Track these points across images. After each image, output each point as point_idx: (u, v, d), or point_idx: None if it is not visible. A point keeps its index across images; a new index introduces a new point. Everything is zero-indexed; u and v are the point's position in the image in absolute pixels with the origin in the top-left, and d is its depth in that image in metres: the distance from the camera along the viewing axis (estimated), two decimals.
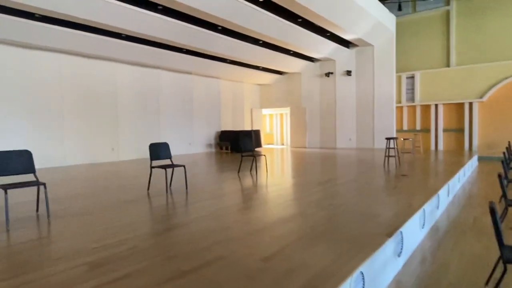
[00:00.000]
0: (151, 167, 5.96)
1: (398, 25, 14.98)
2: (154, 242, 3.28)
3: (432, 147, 14.80)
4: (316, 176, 7.52)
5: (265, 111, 19.77)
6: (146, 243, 3.23)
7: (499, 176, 4.46)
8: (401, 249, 3.42)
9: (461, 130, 14.22)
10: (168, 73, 13.92)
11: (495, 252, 3.72)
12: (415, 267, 3.44)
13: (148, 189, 6.11)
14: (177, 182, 6.62)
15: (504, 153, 8.34)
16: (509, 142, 12.38)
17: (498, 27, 13.35)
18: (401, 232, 3.44)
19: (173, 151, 10.99)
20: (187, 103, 14.84)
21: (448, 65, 14.48)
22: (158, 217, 4.34)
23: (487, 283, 2.96)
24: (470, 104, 13.87)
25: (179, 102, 14.46)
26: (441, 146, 14.63)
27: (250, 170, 8.53)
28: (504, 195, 4.42)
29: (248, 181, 7.03)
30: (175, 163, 6.81)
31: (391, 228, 3.43)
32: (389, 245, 3.14)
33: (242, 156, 8.42)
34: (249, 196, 5.53)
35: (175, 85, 14.30)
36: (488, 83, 13.37)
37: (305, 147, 16.59)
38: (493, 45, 13.46)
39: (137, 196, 5.57)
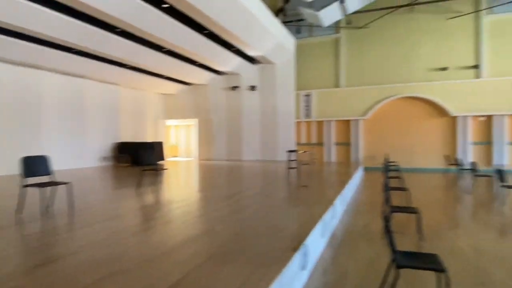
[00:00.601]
0: (23, 186, 4.91)
1: (297, 47, 16.25)
2: (26, 281, 2.59)
3: (326, 159, 16.30)
4: (223, 190, 7.36)
5: (170, 122, 18.97)
6: (16, 284, 2.52)
7: (386, 186, 5.01)
8: (306, 262, 3.46)
9: (349, 144, 16.05)
10: (53, 75, 12.11)
11: (386, 257, 4.09)
12: (318, 278, 3.52)
13: (19, 213, 5.00)
14: (61, 203, 5.62)
15: (387, 163, 9.60)
16: (386, 154, 14.45)
17: (378, 56, 15.64)
18: (306, 245, 3.49)
19: (59, 166, 9.48)
20: (78, 111, 13.14)
21: (338, 86, 16.28)
22: (32, 247, 3.52)
23: (381, 287, 3.17)
24: (356, 121, 15.81)
25: (67, 109, 12.68)
26: (333, 158, 16.22)
27: (151, 186, 7.88)
28: (387, 201, 4.97)
29: (149, 198, 6.43)
30: (59, 179, 5.79)
31: (297, 241, 3.45)
32: (296, 260, 3.13)
33: (143, 170, 7.73)
34: (150, 216, 5.02)
35: (63, 89, 12.52)
36: (371, 102, 15.49)
37: (212, 160, 16.41)
38: (374, 70, 15.68)
39: (4, 223, 4.49)
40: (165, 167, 10.51)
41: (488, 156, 14.05)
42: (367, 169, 14.88)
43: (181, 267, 2.86)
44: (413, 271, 3.05)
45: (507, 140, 13.71)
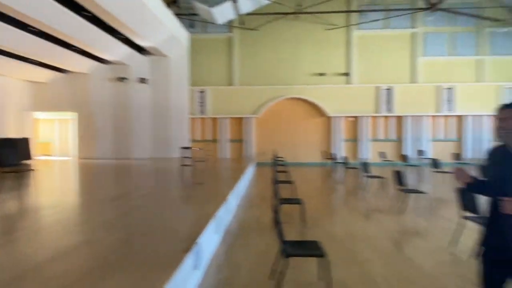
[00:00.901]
0: None
1: (191, 42, 15.93)
2: None
3: (220, 155, 16.52)
4: (107, 192, 6.66)
5: (41, 115, 16.22)
6: None
7: (275, 180, 5.31)
8: (200, 261, 3.39)
9: (242, 141, 16.62)
10: None
11: (276, 247, 4.33)
12: (212, 276, 3.49)
13: None
14: None
15: (275, 158, 10.24)
16: (275, 150, 15.45)
17: (269, 58, 16.58)
18: (198, 244, 3.41)
19: None
20: None
21: (232, 84, 16.65)
22: None
23: (271, 277, 3.33)
24: (249, 118, 16.47)
25: None
26: (227, 155, 16.55)
27: (14, 191, 6.57)
28: (276, 194, 5.29)
29: (10, 206, 5.34)
30: None
31: (189, 241, 3.34)
32: (188, 260, 3.02)
33: (1, 172, 6.37)
34: (11, 227, 4.15)
35: None
36: (262, 102, 16.34)
37: (95, 158, 14.71)
38: (266, 71, 16.58)
39: None
40: (32, 168, 8.92)
41: (355, 151, 16.51)
42: (259, 165, 15.67)
43: (53, 286, 2.42)
44: (299, 258, 3.29)
45: (369, 137, 16.35)
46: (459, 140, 16.19)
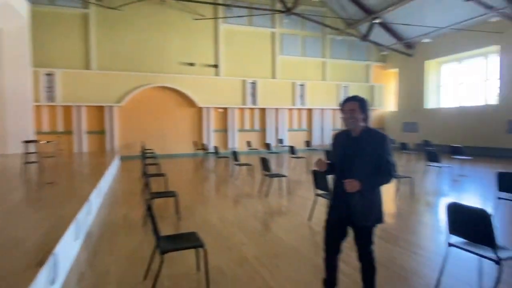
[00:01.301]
0: None
1: (35, 14, 13.16)
2: None
3: (76, 149, 14.45)
4: None
5: None
6: None
7: (145, 174, 4.97)
8: (56, 273, 2.88)
9: (103, 132, 14.95)
10: None
11: (149, 243, 4.08)
12: (73, 287, 3.02)
13: None
14: None
15: (143, 151, 9.60)
16: (143, 142, 14.54)
17: (133, 42, 15.25)
18: (55, 254, 2.89)
19: None
20: None
21: (89, 68, 14.67)
22: None
23: (145, 277, 3.12)
24: (110, 107, 14.91)
25: None
26: (85, 148, 14.61)
27: None
28: (147, 188, 4.98)
29: None
30: None
31: (43, 253, 2.79)
32: (42, 275, 2.52)
33: None
34: None
35: None
36: (125, 89, 14.99)
37: None
38: (130, 56, 15.21)
39: None
40: None
41: (225, 141, 17.15)
42: (124, 158, 14.45)
43: None
44: (176, 252, 3.19)
45: (237, 128, 17.24)
46: (309, 130, 18.87)
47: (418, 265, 3.52)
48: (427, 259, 3.65)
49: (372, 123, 14.15)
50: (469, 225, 2.66)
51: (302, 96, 18.33)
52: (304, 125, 18.84)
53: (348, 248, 3.91)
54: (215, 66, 16.65)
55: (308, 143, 15.50)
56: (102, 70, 14.81)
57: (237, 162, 9.24)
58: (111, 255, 3.78)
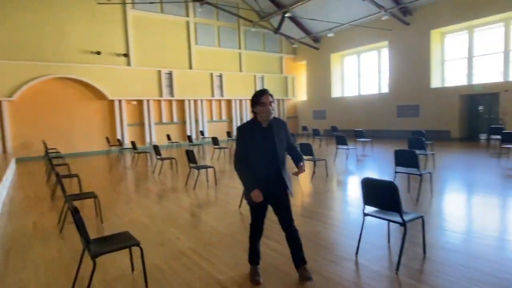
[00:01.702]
0: None
1: None
2: None
3: None
4: None
5: None
6: None
7: (57, 175, 4.47)
8: None
9: None
10: None
11: (71, 251, 3.72)
12: None
13: None
14: None
15: (47, 151, 8.52)
16: (43, 141, 12.87)
17: (26, 27, 13.14)
18: None
19: None
20: None
21: None
22: None
23: (73, 285, 2.87)
24: None
25: None
26: None
27: None
28: (64, 192, 4.50)
29: None
30: None
31: None
32: None
33: None
34: None
35: None
36: (18, 81, 12.94)
37: None
38: (22, 43, 13.10)
39: None
40: None
41: (142, 135, 16.24)
42: (21, 160, 12.60)
43: None
44: (105, 255, 3.00)
45: (154, 121, 16.45)
46: (230, 120, 19.10)
47: (339, 235, 3.97)
48: (345, 230, 4.14)
49: (287, 112, 14.88)
50: (380, 196, 3.11)
51: (220, 87, 18.38)
52: (224, 116, 18.99)
53: (279, 229, 4.19)
54: (126, 55, 15.53)
55: (229, 134, 15.69)
56: None
57: (159, 157, 8.89)
58: (25, 269, 3.34)
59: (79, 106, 14.58)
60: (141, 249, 2.82)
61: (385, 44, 16.68)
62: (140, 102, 16.09)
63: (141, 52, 15.97)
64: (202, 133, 16.91)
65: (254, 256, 2.99)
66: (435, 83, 14.97)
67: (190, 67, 17.50)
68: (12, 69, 12.83)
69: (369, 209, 3.28)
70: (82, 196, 4.86)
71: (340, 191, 6.48)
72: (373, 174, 7.80)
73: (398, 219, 2.98)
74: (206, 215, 5.10)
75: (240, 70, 19.40)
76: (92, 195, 4.75)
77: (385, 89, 17.25)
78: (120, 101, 15.43)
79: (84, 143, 14.69)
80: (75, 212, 2.55)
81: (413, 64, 15.39)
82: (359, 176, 7.61)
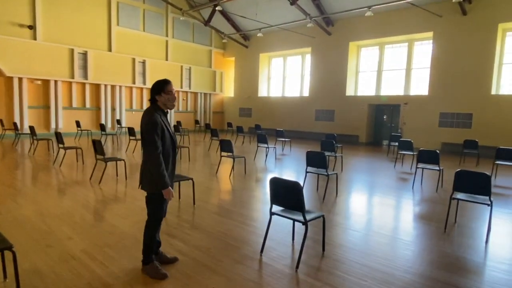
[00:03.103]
0: None
1: None
2: None
3: None
4: None
5: None
6: None
7: None
8: None
9: None
10: None
11: None
12: None
13: None
14: None
15: None
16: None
17: None
18: None
19: None
20: None
21: None
22: None
23: None
24: None
25: None
26: None
27: None
28: None
29: None
30: None
31: None
32: None
33: None
34: None
35: None
36: None
37: None
38: None
39: None
40: None
41: (47, 119, 14.37)
42: None
43: None
44: None
45: (62, 105, 14.69)
46: None
47: (248, 234, 3.97)
48: (255, 228, 4.17)
49: (214, 106, 14.70)
50: (286, 195, 3.18)
51: (143, 74, 17.29)
52: (145, 106, 17.91)
53: (187, 228, 4.03)
54: (31, 27, 13.55)
55: None
56: None
57: (62, 145, 7.92)
58: None
59: None
60: (14, 253, 2.40)
61: (309, 50, 17.60)
62: (46, 82, 14.23)
63: (51, 26, 14.11)
64: (119, 122, 15.68)
65: (152, 252, 2.91)
66: (350, 91, 16.33)
67: (110, 49, 16.09)
68: None
69: (277, 207, 3.33)
70: None
71: (256, 189, 6.56)
72: (289, 173, 8.12)
73: (301, 218, 3.08)
74: (108, 213, 4.65)
75: (166, 59, 18.53)
76: None
77: (306, 93, 18.21)
78: (21, 79, 13.42)
79: None
80: None
81: (331, 72, 16.53)
82: (276, 174, 7.84)
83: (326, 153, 7.56)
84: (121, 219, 4.30)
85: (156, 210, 2.84)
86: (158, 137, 2.65)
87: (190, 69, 19.45)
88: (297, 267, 3.05)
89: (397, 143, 9.92)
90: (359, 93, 16.51)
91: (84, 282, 2.71)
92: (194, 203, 5.03)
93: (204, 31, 20.04)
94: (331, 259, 3.28)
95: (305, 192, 5.90)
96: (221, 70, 21.42)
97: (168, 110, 2.88)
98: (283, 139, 12.44)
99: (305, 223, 3.06)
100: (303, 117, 17.73)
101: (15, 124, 11.71)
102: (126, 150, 10.78)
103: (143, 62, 17.19)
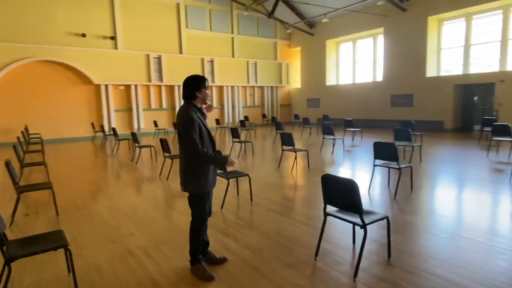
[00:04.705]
0: None
1: None
2: None
3: None
4: None
5: None
6: None
7: (6, 163, 4.16)
8: None
9: None
10: None
11: None
12: None
13: None
14: None
15: (18, 137, 8.19)
16: (26, 126, 12.52)
17: (5, 4, 12.57)
18: None
19: None
20: None
21: None
22: None
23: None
24: None
25: None
26: None
27: None
28: (14, 181, 4.21)
29: None
30: None
31: None
32: None
33: None
34: None
35: None
36: None
37: None
38: (2, 24, 12.56)
39: None
40: None
41: (130, 121, 15.87)
42: (1, 146, 12.27)
43: None
44: (45, 254, 2.72)
45: (142, 107, 16.05)
46: (221, 107, 18.69)
47: (305, 235, 3.68)
48: (314, 229, 3.84)
49: (281, 99, 14.40)
50: (340, 195, 2.82)
51: (212, 73, 17.91)
52: (216, 103, 18.57)
53: (241, 226, 3.91)
54: (112, 38, 15.01)
55: (218, 121, 15.32)
56: None
57: (137, 144, 8.57)
58: None
59: (64, 91, 14.16)
60: (70, 252, 2.55)
61: (381, 31, 16.15)
62: (127, 87, 15.67)
63: (129, 35, 15.44)
64: None
65: (199, 253, 2.83)
66: (431, 72, 14.55)
67: (180, 52, 16.99)
68: None
69: (332, 207, 3.00)
70: (37, 186, 4.54)
71: (319, 185, 6.16)
72: (358, 166, 7.51)
73: (358, 220, 2.70)
74: (170, 209, 4.82)
75: (233, 56, 18.88)
76: (47, 186, 4.45)
77: (379, 77, 16.81)
78: (106, 86, 15.00)
79: (69, 128, 14.34)
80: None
81: (408, 52, 14.92)
82: (343, 167, 7.32)
83: (401, 143, 6.80)
84: (180, 215, 4.39)
85: (199, 210, 2.77)
86: (196, 134, 2.58)
87: (255, 63, 19.53)
88: (355, 275, 2.69)
89: (491, 128, 8.45)
90: (442, 73, 14.60)
91: (136, 279, 2.77)
92: (251, 200, 4.92)
93: (268, 23, 19.88)
94: (398, 268, 2.83)
95: (373, 188, 5.37)
96: (287, 62, 21.07)
97: (205, 108, 2.82)
98: (353, 129, 11.66)
99: (363, 226, 2.67)
100: (377, 104, 16.42)
101: (102, 126, 13.14)
102: None
103: (211, 61, 17.80)
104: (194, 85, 2.66)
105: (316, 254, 3.07)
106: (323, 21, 16.72)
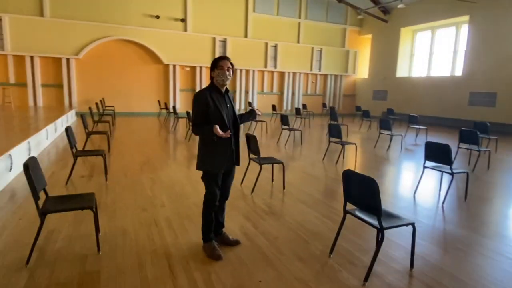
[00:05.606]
0: None
1: None
2: None
3: (31, 102, 13.68)
4: None
5: None
6: None
7: (66, 129, 4.68)
8: None
9: (60, 86, 14.14)
10: None
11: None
12: None
13: None
14: None
15: (90, 108, 9.15)
16: (102, 98, 13.91)
17: None
18: None
19: None
20: None
21: (42, 15, 13.49)
22: None
23: (34, 242, 2.97)
24: (68, 60, 13.99)
25: None
26: (40, 102, 13.86)
27: None
28: (71, 146, 4.72)
29: None
30: None
31: None
32: None
33: None
34: None
35: None
36: (83, 41, 14.00)
37: None
38: (86, 4, 14.02)
39: None
40: None
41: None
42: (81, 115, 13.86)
43: None
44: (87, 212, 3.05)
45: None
46: (281, 93, 18.59)
47: (326, 230, 3.50)
48: (338, 225, 3.67)
49: (345, 89, 13.79)
50: (360, 193, 2.63)
51: (274, 58, 17.82)
52: (275, 89, 18.52)
53: (266, 212, 3.89)
54: (183, 20, 15.73)
55: (274, 107, 15.27)
56: (55, 17, 13.65)
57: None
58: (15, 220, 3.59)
59: (137, 69, 15.37)
60: (95, 213, 2.80)
61: (466, 19, 14.33)
62: (193, 68, 16.39)
63: (198, 18, 16.02)
64: (250, 104, 16.74)
65: (211, 231, 2.90)
66: None
67: (246, 36, 17.16)
68: (79, 29, 13.88)
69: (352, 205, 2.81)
70: (89, 153, 5.06)
71: None
72: (408, 167, 6.90)
73: (376, 223, 2.49)
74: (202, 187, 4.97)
75: (298, 41, 18.48)
76: (100, 153, 4.92)
77: (459, 71, 15.05)
78: (174, 66, 15.88)
79: (138, 103, 15.60)
80: (26, 169, 2.55)
81: (497, 45, 13.05)
82: (391, 166, 6.81)
83: (467, 146, 6.13)
84: None
85: (208, 188, 2.84)
86: (198, 113, 2.67)
87: (321, 50, 18.89)
88: (365, 279, 2.51)
89: None
90: None
91: (152, 248, 2.94)
92: (284, 188, 4.86)
93: (339, 8, 18.95)
94: (417, 280, 2.56)
95: (420, 192, 4.88)
96: (355, 50, 19.97)
97: (227, 88, 2.81)
98: (417, 126, 10.70)
99: (380, 230, 2.46)
100: (453, 101, 14.79)
101: (165, 104, 14.02)
102: (254, 130, 11.44)
103: (275, 46, 17.67)
104: (211, 68, 2.75)
105: (331, 252, 2.94)
106: (398, 6, 15.40)
